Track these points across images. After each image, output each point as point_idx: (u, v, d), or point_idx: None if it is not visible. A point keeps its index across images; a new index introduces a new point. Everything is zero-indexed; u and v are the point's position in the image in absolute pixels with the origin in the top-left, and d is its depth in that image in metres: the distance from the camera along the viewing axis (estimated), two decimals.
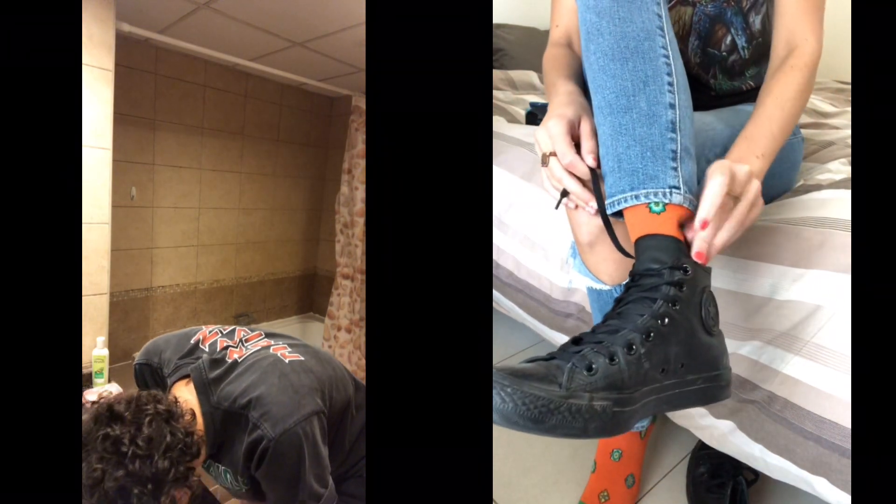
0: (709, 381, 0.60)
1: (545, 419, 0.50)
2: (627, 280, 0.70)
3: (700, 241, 0.59)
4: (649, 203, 0.61)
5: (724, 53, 0.93)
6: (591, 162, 0.66)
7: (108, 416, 0.73)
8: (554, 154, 0.68)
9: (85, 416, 0.74)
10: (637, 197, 0.61)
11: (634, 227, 0.63)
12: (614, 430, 0.53)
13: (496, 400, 0.50)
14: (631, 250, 0.66)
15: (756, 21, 0.91)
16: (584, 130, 0.68)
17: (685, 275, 0.58)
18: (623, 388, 0.53)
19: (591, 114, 0.69)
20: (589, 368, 0.53)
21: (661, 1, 0.66)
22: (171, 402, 0.79)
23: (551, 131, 0.68)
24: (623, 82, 0.63)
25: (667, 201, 0.60)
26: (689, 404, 0.60)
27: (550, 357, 0.56)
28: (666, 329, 0.57)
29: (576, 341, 0.58)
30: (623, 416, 0.53)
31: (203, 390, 0.83)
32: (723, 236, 0.60)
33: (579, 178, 0.68)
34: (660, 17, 0.66)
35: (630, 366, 0.54)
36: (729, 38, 0.92)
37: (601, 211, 0.66)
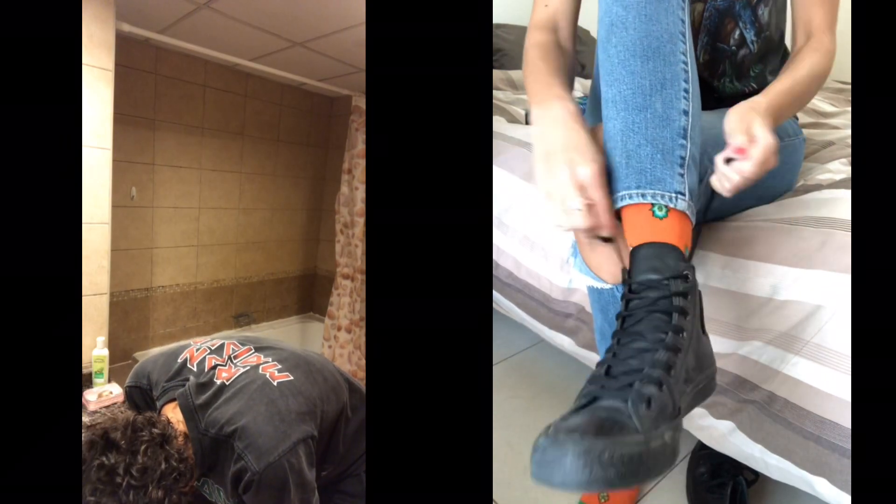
0: (706, 379, 0.61)
1: (638, 472, 0.47)
2: (623, 287, 0.69)
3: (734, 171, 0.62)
4: (653, 206, 0.60)
5: (734, 48, 0.93)
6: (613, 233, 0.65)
7: (103, 444, 0.73)
8: (590, 203, 0.62)
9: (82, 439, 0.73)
10: (644, 195, 0.61)
11: (634, 230, 0.62)
12: (673, 459, 0.51)
13: (597, 471, 0.45)
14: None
15: (764, 13, 0.91)
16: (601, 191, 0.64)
17: (687, 283, 0.58)
18: (671, 408, 0.52)
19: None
20: (648, 403, 0.51)
21: (685, 6, 0.66)
22: (164, 423, 0.79)
23: (585, 180, 0.62)
24: (641, 80, 0.62)
25: (672, 206, 0.60)
26: (694, 405, 0.60)
27: (592, 398, 0.53)
28: (684, 342, 0.57)
29: (605, 372, 0.56)
30: (678, 442, 0.52)
31: (190, 417, 0.83)
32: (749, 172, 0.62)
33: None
34: (683, 22, 0.65)
35: (673, 388, 0.53)
36: (738, 33, 0.92)
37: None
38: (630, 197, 0.61)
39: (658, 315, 0.58)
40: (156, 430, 0.76)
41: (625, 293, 0.61)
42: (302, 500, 0.80)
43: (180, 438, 0.79)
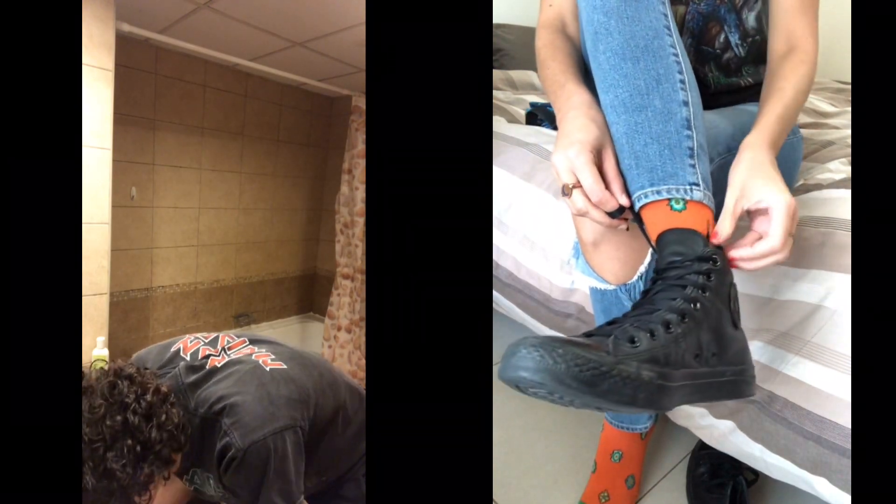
0: (736, 374, 0.61)
1: (598, 383, 0.50)
2: (638, 277, 0.69)
3: (753, 253, 0.60)
4: (670, 200, 0.61)
5: (718, 51, 0.93)
6: (626, 201, 0.64)
7: (116, 371, 0.75)
8: (578, 186, 0.64)
9: (93, 374, 0.76)
10: (659, 192, 0.61)
11: (655, 224, 0.63)
12: (659, 403, 0.53)
13: (546, 361, 0.49)
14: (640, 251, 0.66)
15: (749, 18, 0.91)
16: (612, 167, 0.64)
17: (714, 265, 0.59)
18: (664, 364, 0.53)
19: (611, 138, 0.66)
20: (631, 341, 0.53)
21: (665, 0, 0.66)
22: (168, 389, 0.80)
23: (574, 161, 0.63)
24: (636, 81, 0.63)
25: (688, 198, 0.61)
26: (720, 397, 0.60)
27: (587, 335, 0.56)
28: (698, 314, 0.57)
29: (610, 323, 0.59)
30: (666, 392, 0.53)
31: (181, 396, 0.82)
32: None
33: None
34: (666, 16, 0.66)
35: (669, 343, 0.54)
36: (722, 36, 0.92)
37: (644, 233, 0.65)
38: (646, 196, 0.62)
39: (675, 287, 0.59)
40: (162, 388, 0.78)
41: (653, 276, 0.63)
42: (281, 489, 0.79)
43: (176, 407, 0.79)
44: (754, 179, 0.61)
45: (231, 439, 0.77)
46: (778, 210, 0.59)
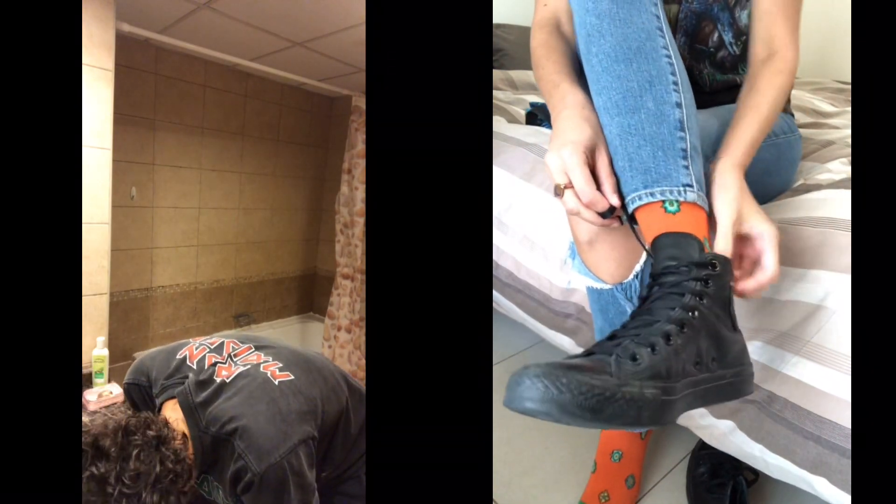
0: (735, 375, 0.61)
1: (603, 408, 0.50)
2: (633, 276, 0.68)
3: (757, 283, 0.63)
4: (664, 202, 0.61)
5: (712, 49, 0.93)
6: (616, 202, 0.64)
7: (93, 452, 0.71)
8: (570, 186, 0.64)
9: None
10: (652, 194, 0.61)
11: (650, 227, 0.63)
12: (663, 418, 0.53)
13: (551, 391, 0.49)
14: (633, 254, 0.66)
15: (742, 16, 0.90)
16: (604, 167, 0.65)
17: (713, 270, 0.59)
18: (666, 377, 0.54)
19: (604, 138, 0.66)
20: (633, 358, 0.53)
21: (658, 2, 0.66)
22: (161, 424, 0.78)
23: (566, 162, 0.64)
24: (629, 83, 0.63)
25: (682, 199, 0.61)
26: (720, 399, 0.61)
27: (589, 353, 0.56)
28: (696, 322, 0.57)
29: (611, 337, 0.59)
30: (669, 406, 0.53)
31: (191, 415, 0.82)
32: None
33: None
34: (658, 17, 0.66)
35: (670, 356, 0.54)
36: (716, 35, 0.92)
37: (636, 235, 0.66)
38: (640, 198, 0.62)
39: (672, 295, 0.59)
40: (150, 433, 0.75)
41: (649, 282, 0.63)
42: (301, 500, 0.80)
43: (178, 439, 0.78)
44: (748, 206, 0.64)
45: (246, 463, 0.76)
46: (770, 241, 0.62)
